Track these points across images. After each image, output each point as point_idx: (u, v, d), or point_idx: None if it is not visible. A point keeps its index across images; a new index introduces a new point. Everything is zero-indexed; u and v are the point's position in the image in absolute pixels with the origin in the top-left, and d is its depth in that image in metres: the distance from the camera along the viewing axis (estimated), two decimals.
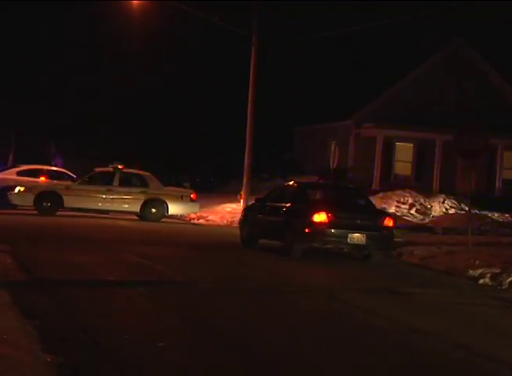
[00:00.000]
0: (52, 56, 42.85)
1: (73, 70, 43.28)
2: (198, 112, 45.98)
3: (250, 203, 20.66)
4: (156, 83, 43.89)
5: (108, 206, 24.71)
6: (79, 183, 24.67)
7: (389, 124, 37.64)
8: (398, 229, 24.60)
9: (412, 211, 33.44)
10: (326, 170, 32.72)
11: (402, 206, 33.96)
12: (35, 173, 26.89)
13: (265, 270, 14.08)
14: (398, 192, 35.27)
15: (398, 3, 32.91)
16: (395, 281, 13.63)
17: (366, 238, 15.53)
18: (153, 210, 24.77)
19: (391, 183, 37.62)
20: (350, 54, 44.22)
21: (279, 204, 17.06)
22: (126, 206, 24.79)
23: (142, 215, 24.71)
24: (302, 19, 41.02)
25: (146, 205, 24.67)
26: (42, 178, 26.13)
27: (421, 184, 37.71)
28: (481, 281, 13.89)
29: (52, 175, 27.12)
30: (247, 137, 28.85)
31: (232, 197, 30.28)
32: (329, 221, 15.51)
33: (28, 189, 24.12)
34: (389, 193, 35.25)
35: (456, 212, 32.98)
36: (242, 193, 27.91)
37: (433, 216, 32.54)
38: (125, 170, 25.54)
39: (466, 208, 27.21)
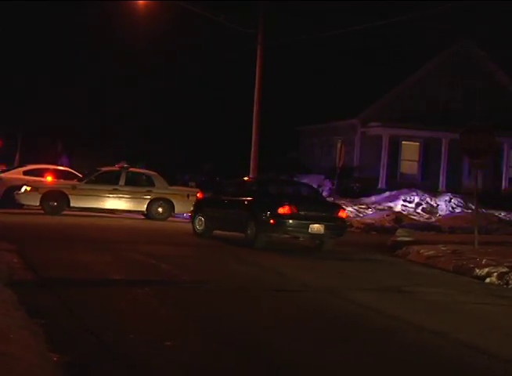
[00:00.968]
0: (59, 54, 42.91)
1: (79, 71, 43.35)
2: (203, 111, 45.95)
3: (199, 198, 21.84)
4: (159, 83, 43.91)
5: (114, 205, 24.74)
6: (85, 183, 24.67)
7: (395, 123, 37.61)
8: (405, 228, 24.66)
9: (419, 210, 33.43)
10: (331, 169, 32.73)
11: (409, 205, 33.94)
12: (41, 173, 26.91)
13: (272, 271, 14.04)
14: (405, 191, 35.26)
15: (408, 3, 32.86)
16: (401, 280, 13.61)
17: (324, 228, 17.34)
18: (160, 209, 24.78)
19: (397, 182, 37.60)
20: (356, 53, 44.12)
21: (240, 199, 18.49)
22: (132, 205, 24.80)
23: (149, 214, 24.73)
24: (308, 17, 40.97)
25: (152, 204, 24.68)
26: (49, 178, 26.15)
27: (427, 183, 37.68)
28: (488, 280, 13.86)
29: (58, 174, 27.13)
30: (253, 136, 28.85)
31: None
32: (292, 213, 17.21)
33: (34, 188, 24.13)
34: (395, 192, 35.24)
35: (463, 211, 32.94)
36: None
37: (439, 215, 32.51)
38: (131, 169, 25.59)
39: (473, 207, 27.13)
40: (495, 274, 13.90)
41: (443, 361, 7.41)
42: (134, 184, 25.03)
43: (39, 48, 42.55)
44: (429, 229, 26.73)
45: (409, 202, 34.18)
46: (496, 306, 11.43)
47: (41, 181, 25.50)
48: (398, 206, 33.34)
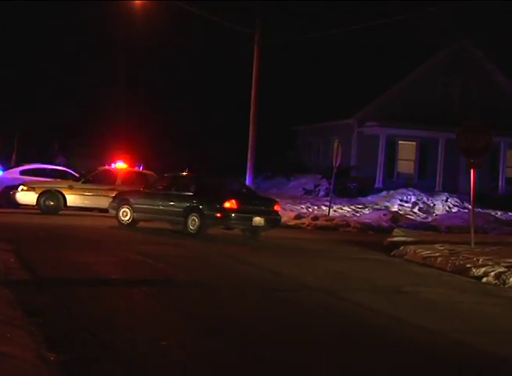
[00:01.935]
0: (58, 55, 42.92)
1: (72, 71, 43.34)
2: (200, 111, 45.95)
3: (120, 192, 22.47)
4: (156, 83, 43.89)
5: None
6: (82, 182, 24.67)
7: (392, 122, 37.66)
8: (402, 228, 24.68)
9: (415, 210, 33.45)
10: (328, 168, 32.74)
11: (405, 204, 33.97)
12: (38, 172, 26.88)
13: (269, 270, 14.04)
14: (401, 190, 35.30)
15: (405, 3, 32.88)
16: (398, 280, 13.61)
17: (264, 221, 19.19)
18: None
19: (394, 182, 37.66)
20: (353, 52, 44.17)
21: (179, 193, 19.92)
22: None
23: None
24: (304, 17, 40.99)
25: None
26: (45, 178, 26.11)
27: (424, 182, 37.74)
28: (485, 280, 13.86)
29: (55, 174, 27.10)
30: (250, 135, 28.87)
31: None
32: (238, 207, 18.83)
33: (31, 188, 24.13)
34: (392, 192, 35.27)
35: (459, 211, 32.98)
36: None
37: (436, 215, 32.54)
38: (128, 169, 25.58)
39: (469, 207, 27.13)
40: (492, 274, 13.90)
41: (440, 360, 7.42)
42: (131, 184, 25.00)
43: (39, 48, 42.57)
44: (426, 228, 26.75)
45: (406, 202, 34.21)
46: (493, 306, 11.44)
47: (38, 180, 25.48)
48: (394, 206, 33.37)
